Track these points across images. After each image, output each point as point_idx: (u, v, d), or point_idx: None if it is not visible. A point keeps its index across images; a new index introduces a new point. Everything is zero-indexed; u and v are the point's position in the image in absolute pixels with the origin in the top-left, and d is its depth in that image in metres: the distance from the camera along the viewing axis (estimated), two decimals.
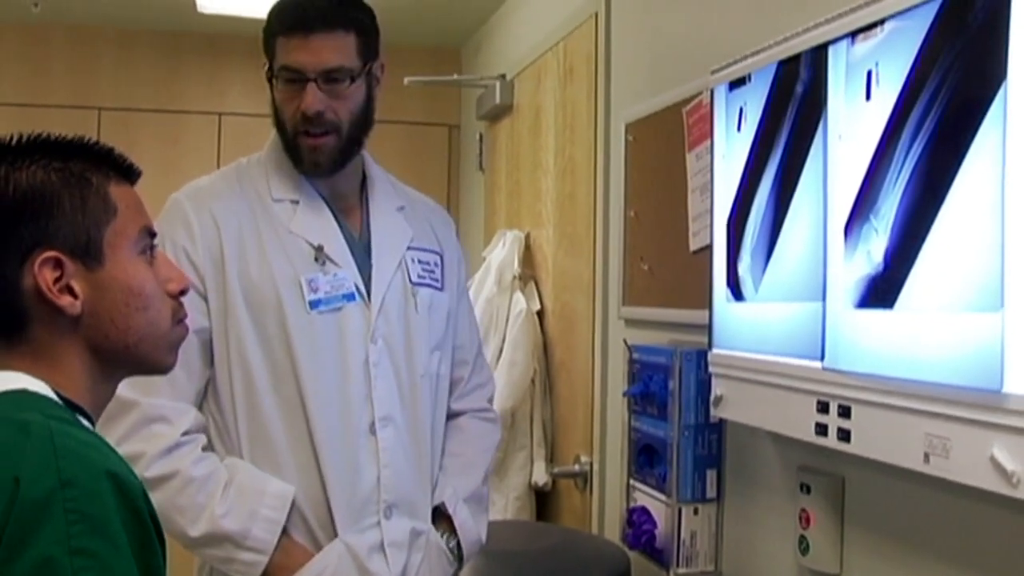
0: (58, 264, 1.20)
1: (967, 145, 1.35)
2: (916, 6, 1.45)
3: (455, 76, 4.71)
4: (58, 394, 1.21)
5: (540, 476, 3.54)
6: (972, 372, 1.33)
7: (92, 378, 1.26)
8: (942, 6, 1.41)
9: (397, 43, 5.44)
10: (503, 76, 4.28)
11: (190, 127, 5.06)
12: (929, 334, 1.41)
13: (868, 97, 1.55)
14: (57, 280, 1.20)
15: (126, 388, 1.67)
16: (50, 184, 1.21)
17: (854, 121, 1.58)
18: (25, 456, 1.07)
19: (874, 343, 1.53)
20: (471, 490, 2.20)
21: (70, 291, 1.21)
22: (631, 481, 2.51)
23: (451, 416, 2.24)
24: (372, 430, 2.03)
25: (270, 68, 2.02)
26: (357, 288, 2.05)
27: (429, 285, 2.15)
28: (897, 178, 1.48)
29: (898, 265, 1.47)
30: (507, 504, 3.57)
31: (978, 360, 1.32)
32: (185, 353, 1.69)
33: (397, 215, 2.18)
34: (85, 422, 1.23)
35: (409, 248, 2.15)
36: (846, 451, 1.61)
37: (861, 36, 1.57)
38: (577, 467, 3.27)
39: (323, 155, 2.02)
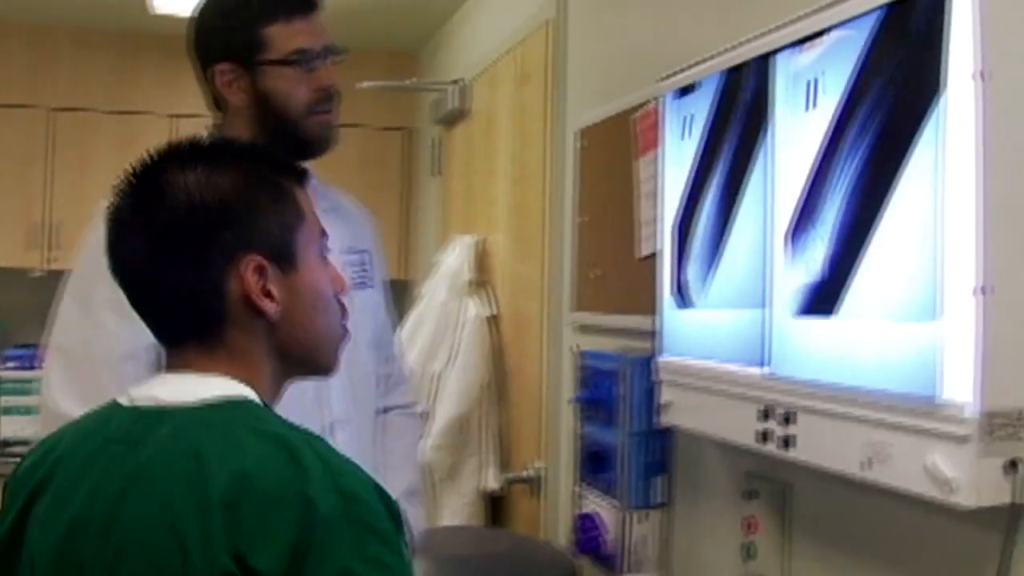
0: (261, 269, 1.19)
1: (906, 155, 1.36)
2: (858, 17, 1.46)
3: (410, 81, 4.70)
4: (259, 396, 1.22)
5: (492, 482, 3.53)
6: (910, 380, 1.34)
7: (275, 379, 1.27)
8: (883, 17, 1.42)
9: (354, 46, 5.42)
10: (458, 81, 4.28)
11: (145, 128, 5.00)
12: (869, 342, 1.42)
13: (811, 106, 1.56)
14: (259, 285, 1.19)
15: (81, 409, 1.65)
16: (248, 188, 1.21)
17: (798, 130, 1.59)
18: (304, 473, 1.08)
19: (816, 350, 1.54)
20: (408, 485, 2.21)
21: (269, 295, 1.20)
22: (580, 487, 2.52)
23: (378, 412, 2.24)
24: (330, 431, 2.02)
25: (257, 58, 1.96)
26: None
27: (363, 284, 2.14)
28: (838, 187, 1.49)
29: (839, 273, 1.48)
30: (459, 510, 3.56)
31: (916, 368, 1.33)
32: (139, 368, 1.67)
33: (328, 216, 2.15)
34: None
35: (342, 251, 2.13)
36: (788, 458, 1.62)
37: (805, 46, 1.58)
38: (528, 472, 3.27)
39: (333, 129, 2.02)
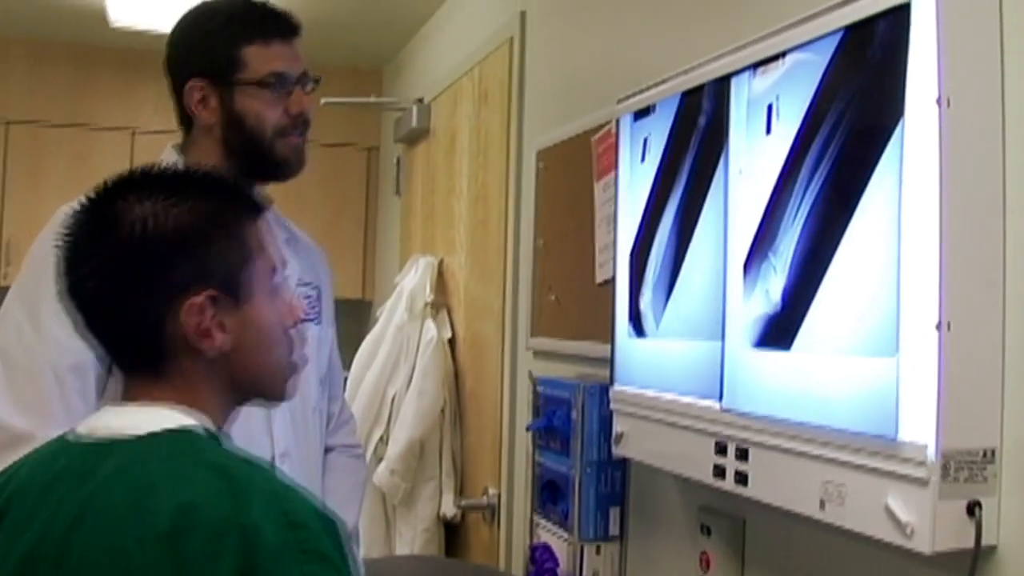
0: (212, 301, 1.20)
1: (864, 183, 1.31)
2: (817, 39, 1.41)
3: (372, 98, 4.63)
4: (204, 427, 1.23)
5: (449, 508, 3.46)
6: (867, 418, 1.29)
7: (226, 406, 1.28)
8: (842, 40, 1.37)
9: (318, 62, 5.38)
10: (421, 99, 4.22)
11: (102, 143, 4.90)
12: (826, 377, 1.37)
13: (768, 131, 1.51)
14: (210, 318, 1.20)
15: (19, 418, 1.61)
16: (203, 221, 1.21)
17: (754, 155, 1.54)
18: (247, 503, 1.09)
19: (772, 384, 1.49)
20: (348, 528, 2.14)
21: (220, 329, 1.21)
22: (535, 517, 2.45)
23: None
24: (271, 465, 1.96)
25: (232, 77, 1.92)
26: None
27: (313, 320, 2.09)
28: (796, 215, 1.43)
29: (795, 305, 1.43)
30: (415, 536, 3.49)
31: (874, 406, 1.28)
32: (84, 381, 1.66)
33: (284, 248, 2.11)
34: None
35: (296, 284, 2.08)
36: (743, 495, 1.56)
37: (762, 69, 1.53)
38: (485, 499, 3.20)
39: (304, 153, 1.99)
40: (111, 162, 4.85)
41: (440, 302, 3.73)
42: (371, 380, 3.68)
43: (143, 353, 1.23)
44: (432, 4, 4.20)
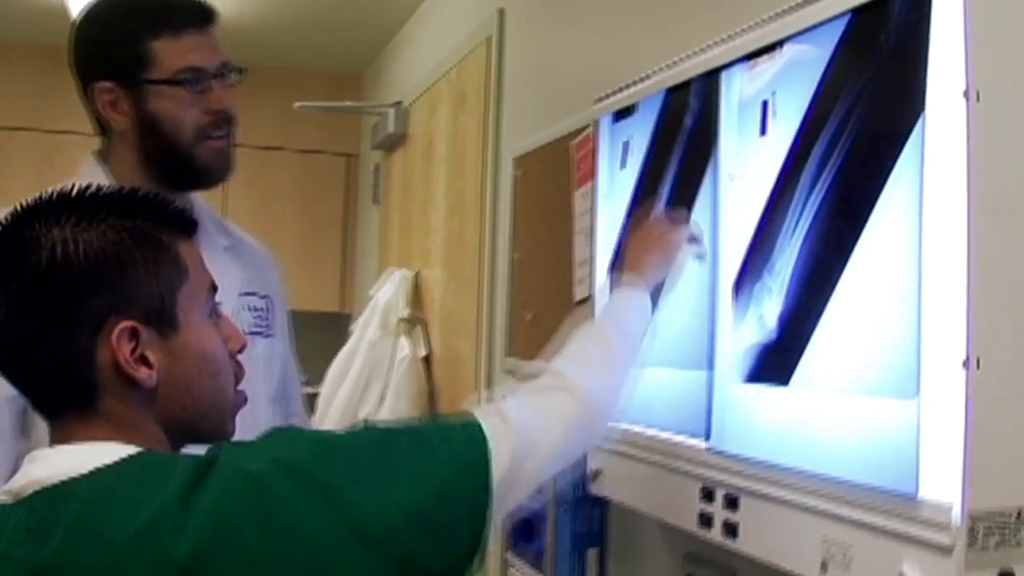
0: (134, 334, 1.08)
1: (877, 191, 1.11)
2: (818, 25, 1.22)
3: (347, 102, 4.43)
4: None
5: None
6: (880, 470, 1.09)
7: (165, 447, 1.14)
8: (849, 26, 1.18)
9: (294, 65, 5.23)
10: (399, 103, 4.03)
11: (68, 148, 4.70)
12: (830, 419, 1.17)
13: (763, 132, 1.31)
14: (133, 351, 1.08)
15: None
16: (122, 246, 1.10)
17: (747, 159, 1.34)
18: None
19: (766, 424, 1.29)
20: None
21: (145, 362, 1.09)
22: (507, 555, 2.25)
23: None
24: None
25: (141, 76, 1.73)
26: None
27: (262, 334, 1.90)
28: (795, 228, 1.24)
29: (794, 333, 1.23)
30: None
31: (888, 456, 1.08)
32: None
33: (225, 256, 1.91)
34: None
35: (241, 294, 1.89)
36: (732, 548, 1.36)
37: (756, 61, 1.33)
38: None
39: (230, 156, 1.80)
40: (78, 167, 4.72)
41: (416, 317, 3.54)
42: (342, 399, 3.49)
43: (64, 394, 1.10)
44: (411, 4, 4.01)
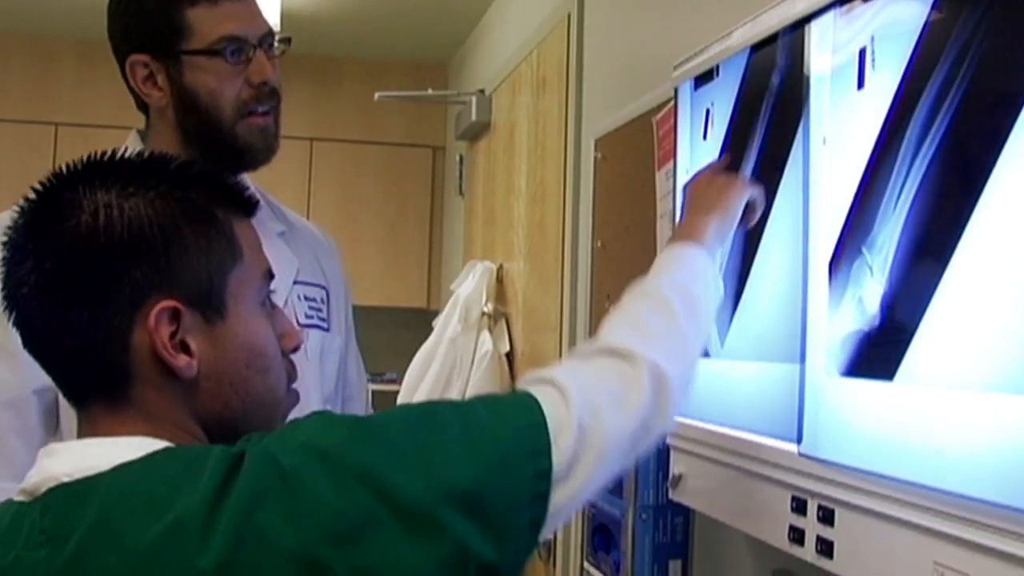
0: (175, 316, 0.99)
1: (997, 151, 0.92)
2: None
3: (429, 91, 4.30)
4: None
5: None
6: (1007, 484, 0.90)
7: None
8: None
9: (379, 58, 5.13)
10: (481, 91, 3.88)
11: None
12: (944, 420, 0.98)
13: (861, 85, 1.12)
14: (173, 335, 0.99)
15: None
16: (170, 217, 1.00)
17: (843, 119, 1.16)
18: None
19: (867, 426, 1.10)
20: None
21: (185, 349, 1.00)
22: (585, 564, 2.09)
23: None
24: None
25: (177, 47, 1.62)
26: None
27: (317, 326, 1.77)
28: (899, 198, 1.05)
29: (900, 319, 1.04)
30: None
31: (1018, 467, 0.89)
32: (23, 417, 1.49)
33: (278, 242, 1.79)
34: None
35: (295, 283, 1.76)
36: (827, 568, 1.18)
37: (851, 4, 1.15)
38: None
39: (275, 136, 1.69)
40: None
41: (500, 312, 3.39)
42: (422, 396, 3.36)
43: (93, 380, 1.00)
44: None
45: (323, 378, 1.78)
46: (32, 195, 1.01)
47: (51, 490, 0.95)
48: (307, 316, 1.77)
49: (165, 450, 0.96)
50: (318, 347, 1.77)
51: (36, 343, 1.02)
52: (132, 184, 0.99)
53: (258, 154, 1.69)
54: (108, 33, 1.69)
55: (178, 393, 1.01)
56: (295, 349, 1.12)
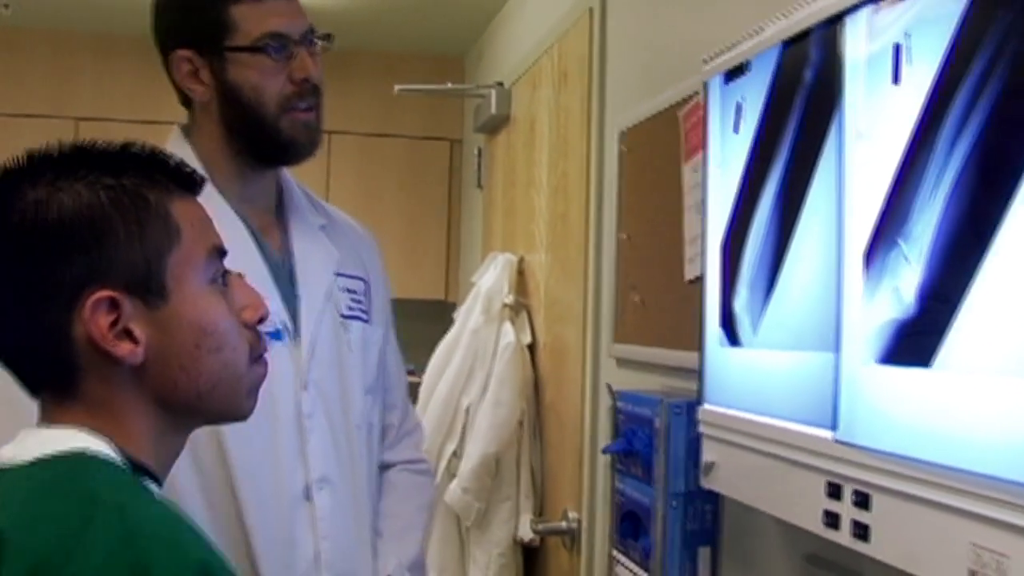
0: (114, 305, 1.01)
1: None
2: None
3: (448, 84, 4.32)
4: (122, 452, 1.02)
5: (526, 531, 3.14)
6: None
7: (159, 431, 1.07)
8: None
9: (396, 51, 5.16)
10: (500, 84, 3.91)
11: (168, 138, 4.75)
12: (981, 406, 1.01)
13: (896, 79, 1.15)
14: (113, 324, 1.01)
15: None
16: (99, 206, 1.01)
17: (878, 113, 1.18)
18: (93, 537, 0.90)
19: (904, 412, 1.13)
20: (413, 557, 1.89)
21: (129, 335, 1.01)
22: (614, 551, 2.11)
23: (381, 469, 1.92)
24: (307, 495, 1.70)
25: (221, 44, 1.66)
26: (284, 324, 1.69)
27: (358, 318, 1.81)
28: (936, 187, 1.08)
29: (937, 307, 1.07)
30: (489, 562, 3.17)
31: None
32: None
33: (320, 235, 1.83)
34: (153, 486, 1.05)
35: (336, 275, 1.80)
36: (862, 552, 1.21)
37: (886, 1, 1.18)
38: (564, 524, 2.86)
39: (317, 131, 1.74)
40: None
41: (521, 303, 3.42)
42: (444, 389, 3.38)
43: (40, 372, 1.04)
44: None
45: (364, 369, 1.81)
46: None
47: None
48: (349, 308, 1.81)
49: (72, 458, 0.98)
50: (360, 338, 1.81)
51: None
52: (61, 177, 1.01)
53: (301, 148, 1.72)
54: (152, 28, 1.72)
55: (127, 381, 1.03)
56: (261, 320, 1.14)
